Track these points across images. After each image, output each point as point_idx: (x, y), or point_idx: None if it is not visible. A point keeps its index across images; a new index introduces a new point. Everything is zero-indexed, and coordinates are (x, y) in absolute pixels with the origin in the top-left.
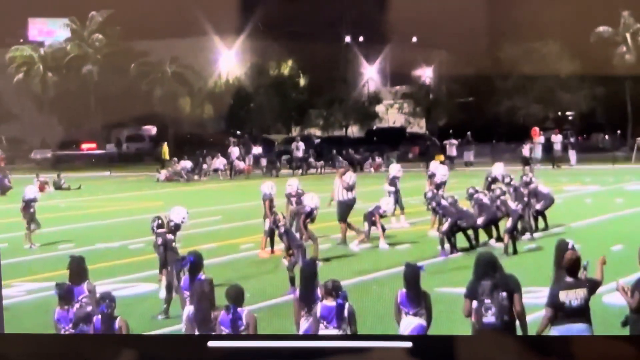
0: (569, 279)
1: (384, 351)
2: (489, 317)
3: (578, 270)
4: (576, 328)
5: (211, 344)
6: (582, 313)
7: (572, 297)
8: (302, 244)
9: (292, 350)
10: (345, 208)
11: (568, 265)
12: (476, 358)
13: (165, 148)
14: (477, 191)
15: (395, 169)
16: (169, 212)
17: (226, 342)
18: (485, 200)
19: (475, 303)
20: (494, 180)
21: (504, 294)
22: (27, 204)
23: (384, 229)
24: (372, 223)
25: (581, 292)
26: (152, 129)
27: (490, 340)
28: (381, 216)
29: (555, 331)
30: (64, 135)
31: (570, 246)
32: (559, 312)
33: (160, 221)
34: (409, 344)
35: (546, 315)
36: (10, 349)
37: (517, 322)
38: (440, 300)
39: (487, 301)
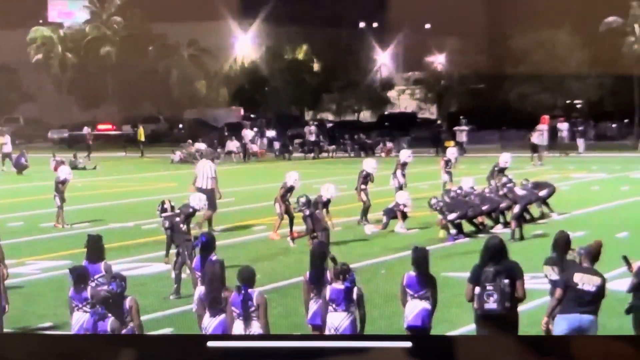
0: (587, 265)
1: (384, 351)
2: (491, 304)
3: (598, 259)
4: (585, 319)
5: (211, 344)
6: (591, 302)
7: (586, 280)
8: (327, 227)
9: (292, 350)
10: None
11: (593, 252)
12: (476, 358)
13: (141, 130)
14: (473, 189)
15: (405, 154)
16: (190, 198)
17: (226, 342)
18: (484, 194)
19: (477, 289)
20: (502, 170)
21: (507, 280)
22: (62, 184)
23: (405, 217)
24: (393, 217)
25: (595, 280)
26: (240, 110)
27: (490, 341)
28: (403, 212)
29: (561, 319)
30: (81, 115)
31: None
32: (569, 293)
33: (165, 206)
34: (408, 344)
35: (556, 296)
36: (10, 349)
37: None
38: (447, 284)
39: (490, 287)
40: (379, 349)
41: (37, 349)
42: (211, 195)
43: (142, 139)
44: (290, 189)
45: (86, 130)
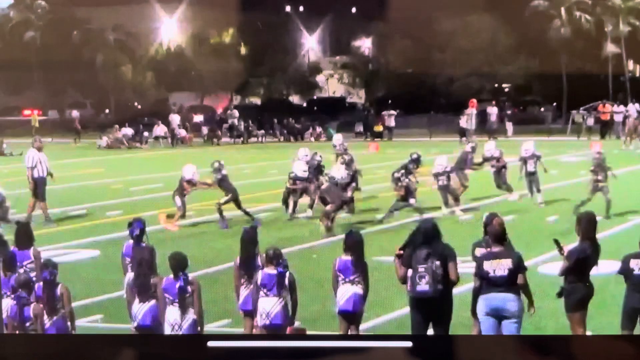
0: (495, 249)
1: (384, 351)
2: (423, 286)
3: (504, 238)
4: (500, 297)
5: (211, 343)
6: (507, 283)
7: (495, 266)
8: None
9: (292, 350)
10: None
11: (495, 233)
12: (476, 358)
13: (34, 115)
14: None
15: (302, 152)
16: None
17: (226, 342)
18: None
19: (410, 271)
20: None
21: (438, 262)
22: None
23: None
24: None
25: (505, 262)
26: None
27: (490, 340)
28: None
29: (480, 300)
30: (6, 101)
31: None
32: (484, 280)
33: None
34: (409, 344)
35: (475, 285)
36: (10, 349)
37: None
38: (378, 268)
39: (421, 269)
40: (379, 349)
41: (37, 349)
42: (39, 185)
43: (37, 124)
44: (189, 183)
45: (75, 114)
